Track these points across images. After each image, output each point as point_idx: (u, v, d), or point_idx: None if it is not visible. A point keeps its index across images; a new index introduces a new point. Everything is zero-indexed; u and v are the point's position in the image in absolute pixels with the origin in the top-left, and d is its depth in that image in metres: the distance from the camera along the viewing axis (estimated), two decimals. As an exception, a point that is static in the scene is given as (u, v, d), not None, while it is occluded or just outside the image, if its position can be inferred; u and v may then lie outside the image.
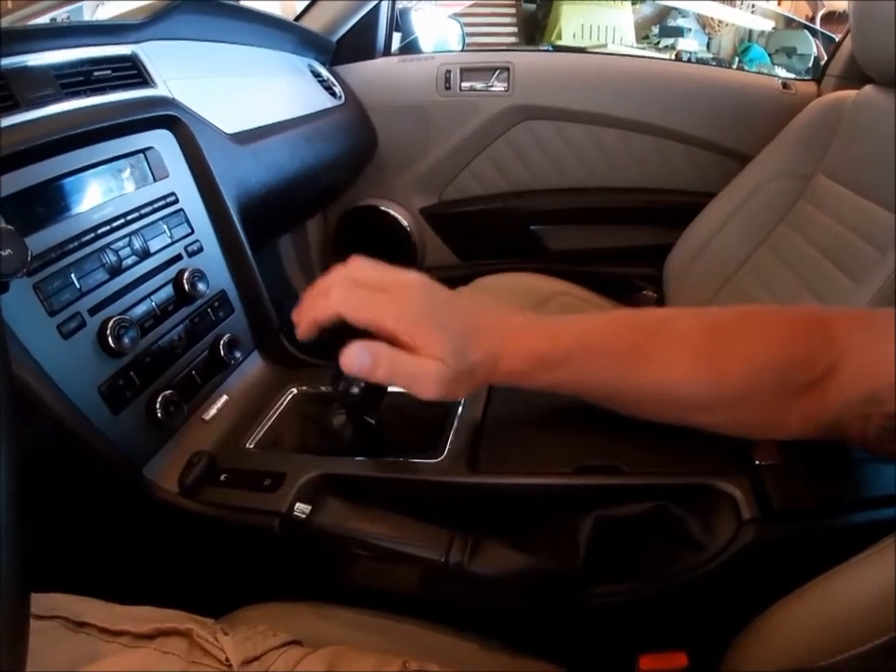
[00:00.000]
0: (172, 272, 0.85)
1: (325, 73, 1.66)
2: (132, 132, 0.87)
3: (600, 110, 1.70)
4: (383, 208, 1.89)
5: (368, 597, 0.70)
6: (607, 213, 1.78)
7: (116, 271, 0.77)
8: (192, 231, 0.90)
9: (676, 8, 6.00)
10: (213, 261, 0.93)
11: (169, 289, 0.84)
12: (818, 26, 4.86)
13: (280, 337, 0.99)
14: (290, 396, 0.86)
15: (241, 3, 1.49)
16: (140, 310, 0.79)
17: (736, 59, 5.83)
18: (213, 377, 0.87)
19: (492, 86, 1.73)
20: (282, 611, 0.71)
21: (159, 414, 0.76)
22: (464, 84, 1.75)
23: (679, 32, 5.96)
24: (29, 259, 0.62)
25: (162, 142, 0.92)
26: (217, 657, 0.56)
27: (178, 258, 0.87)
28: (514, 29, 5.91)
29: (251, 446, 0.77)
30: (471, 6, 5.49)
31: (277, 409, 0.83)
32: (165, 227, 0.86)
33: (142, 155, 0.87)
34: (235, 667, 0.55)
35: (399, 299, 0.56)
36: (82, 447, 0.70)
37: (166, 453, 0.77)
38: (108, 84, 0.90)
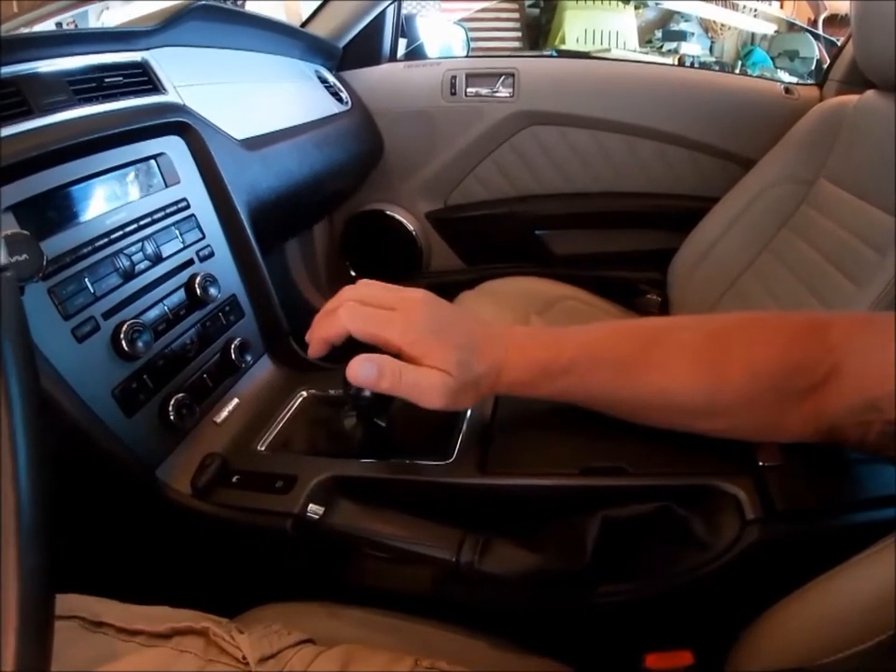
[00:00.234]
0: (184, 276, 0.86)
1: (331, 79, 1.67)
2: (143, 138, 0.88)
3: (605, 116, 1.71)
4: (389, 213, 1.90)
5: (379, 597, 0.70)
6: (611, 217, 1.78)
7: (129, 275, 0.78)
8: (204, 237, 0.91)
9: (679, 13, 6.00)
10: (224, 266, 0.94)
11: (181, 294, 0.84)
12: (820, 29, 4.86)
13: (289, 340, 1.00)
14: (301, 398, 0.86)
15: (248, 10, 1.50)
16: (153, 314, 0.80)
17: (739, 62, 5.82)
18: (224, 380, 0.88)
19: (497, 92, 1.74)
20: (294, 611, 0.71)
21: (171, 417, 0.77)
22: (469, 90, 1.76)
23: (681, 36, 5.96)
24: (44, 263, 0.63)
25: (174, 148, 0.93)
26: (234, 655, 0.56)
27: (190, 262, 0.88)
28: (518, 34, 5.92)
29: (262, 448, 0.78)
30: (476, 11, 5.50)
31: (288, 411, 0.84)
32: (177, 232, 0.87)
33: (154, 161, 0.88)
34: (252, 665, 0.56)
35: (404, 315, 0.59)
36: (96, 449, 0.70)
37: (179, 455, 0.78)
38: (120, 90, 0.91)
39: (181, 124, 0.95)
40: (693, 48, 5.91)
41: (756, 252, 1.42)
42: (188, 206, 0.90)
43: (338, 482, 0.70)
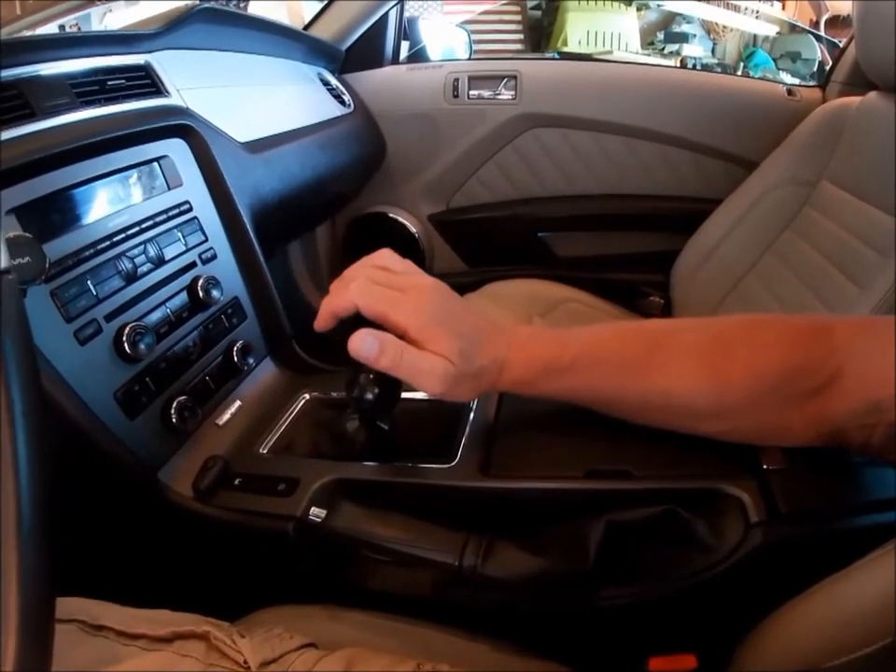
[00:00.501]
0: (186, 279, 0.86)
1: (334, 81, 1.67)
2: (146, 140, 0.88)
3: (607, 118, 1.70)
4: (391, 215, 1.90)
5: (381, 600, 0.70)
6: (614, 220, 1.78)
7: (131, 278, 0.78)
8: (206, 239, 0.91)
9: (681, 14, 6.00)
10: (226, 269, 0.94)
11: (184, 296, 0.85)
12: (822, 31, 4.86)
13: (292, 343, 1.00)
14: (303, 401, 0.86)
15: (250, 13, 1.50)
16: (155, 316, 0.80)
17: (741, 64, 5.82)
18: (226, 383, 0.88)
19: (499, 94, 1.74)
20: (296, 614, 0.71)
21: (173, 420, 0.77)
22: (472, 92, 1.76)
23: (683, 37, 5.96)
24: (47, 266, 0.63)
25: (176, 151, 0.93)
26: (235, 659, 0.56)
27: (193, 265, 0.88)
28: (521, 36, 5.92)
29: (265, 451, 0.78)
30: (478, 13, 5.51)
31: (290, 414, 0.84)
32: (180, 234, 0.87)
33: (156, 164, 0.88)
34: (253, 669, 0.55)
35: (413, 298, 0.59)
36: (98, 452, 0.70)
37: (181, 457, 0.78)
38: (122, 93, 0.91)
39: (184, 127, 0.95)
40: (695, 49, 5.91)
41: (759, 254, 1.42)
42: (190, 209, 0.90)
43: (340, 485, 0.70)
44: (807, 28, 5.26)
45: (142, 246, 0.81)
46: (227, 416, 0.85)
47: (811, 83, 1.72)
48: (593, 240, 1.81)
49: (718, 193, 1.60)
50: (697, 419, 0.60)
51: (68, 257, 0.71)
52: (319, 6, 1.77)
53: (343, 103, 1.64)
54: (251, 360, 0.92)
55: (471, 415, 0.75)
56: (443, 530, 0.64)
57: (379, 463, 0.70)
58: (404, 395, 0.71)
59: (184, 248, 0.87)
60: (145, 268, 0.80)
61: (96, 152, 0.80)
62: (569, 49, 5.68)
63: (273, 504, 0.69)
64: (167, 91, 1.00)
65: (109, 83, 0.90)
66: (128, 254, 0.79)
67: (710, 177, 1.71)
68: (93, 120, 0.83)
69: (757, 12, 5.60)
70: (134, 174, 0.85)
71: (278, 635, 0.60)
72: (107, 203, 0.80)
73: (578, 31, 5.75)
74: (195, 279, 0.86)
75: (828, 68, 1.69)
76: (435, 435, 0.74)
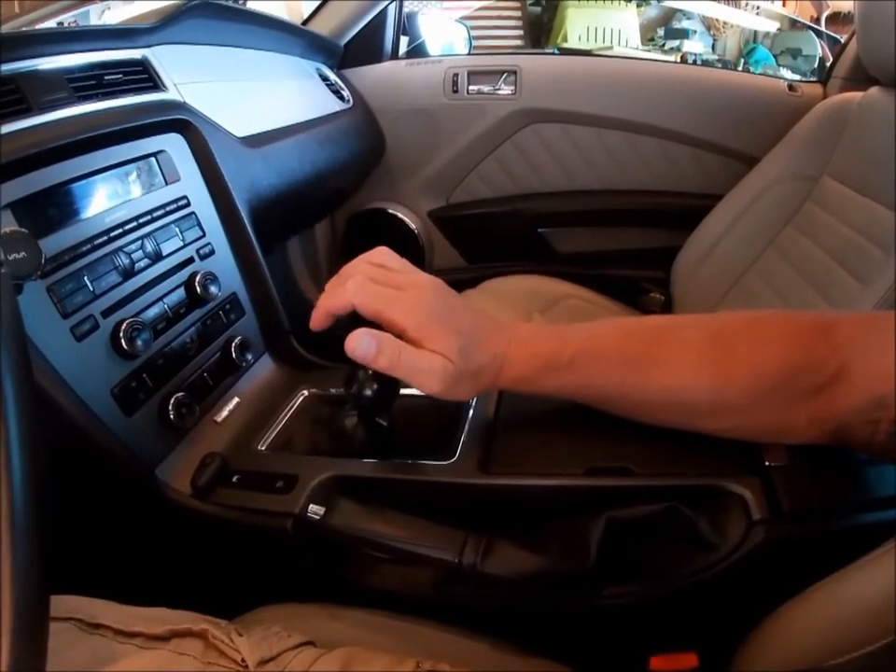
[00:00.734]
0: (184, 274, 0.85)
1: (333, 76, 1.67)
2: (143, 135, 0.88)
3: (607, 113, 1.70)
4: (391, 211, 1.89)
5: (380, 598, 0.70)
6: (614, 215, 1.78)
7: (128, 273, 0.78)
8: (204, 234, 0.91)
9: (681, 10, 6.00)
10: (224, 264, 0.93)
11: (181, 292, 0.84)
12: (822, 27, 4.86)
13: (290, 339, 0.99)
14: (302, 398, 0.86)
15: (249, 7, 1.50)
16: (153, 312, 0.79)
17: (742, 60, 5.82)
18: (224, 379, 0.88)
19: (499, 89, 1.74)
20: (295, 612, 0.71)
21: (171, 416, 0.76)
22: (471, 87, 1.76)
23: (684, 34, 5.95)
24: (43, 261, 0.63)
25: (174, 146, 0.92)
26: (233, 658, 0.56)
27: (190, 260, 0.87)
28: (520, 32, 5.92)
29: (263, 448, 0.77)
30: (477, 9, 5.50)
31: (289, 411, 0.83)
32: (177, 230, 0.86)
33: (153, 159, 0.88)
34: (251, 668, 0.55)
35: (411, 296, 0.58)
36: (95, 449, 0.70)
37: (178, 454, 0.78)
38: (120, 88, 0.90)
39: (181, 122, 0.95)
40: (696, 45, 5.90)
41: (760, 250, 1.42)
42: (188, 204, 0.90)
43: (339, 482, 0.69)
44: (808, 24, 5.26)
45: (139, 242, 0.80)
46: (225, 413, 0.84)
47: (812, 79, 1.71)
48: (593, 236, 1.80)
49: (718, 189, 1.59)
50: (698, 417, 0.59)
51: (64, 252, 0.71)
52: (318, 1, 1.76)
53: (341, 98, 1.64)
54: (249, 356, 0.91)
55: (471, 412, 0.75)
56: (443, 528, 0.63)
57: (378, 460, 0.70)
58: (403, 391, 0.71)
59: (181, 244, 0.86)
60: (142, 263, 0.80)
61: (93, 147, 0.80)
62: (569, 45, 5.68)
63: (272, 501, 0.69)
64: (164, 86, 0.99)
65: (106, 78, 0.89)
66: (125, 249, 0.78)
67: (711, 173, 1.70)
68: (90, 115, 0.82)
69: (758, 8, 5.60)
70: (132, 169, 0.84)
71: (276, 633, 0.60)
72: (104, 199, 0.79)
73: (578, 27, 5.75)
74: (193, 275, 0.85)
75: (829, 64, 1.69)
76: (434, 431, 0.74)
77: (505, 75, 1.73)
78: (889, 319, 0.53)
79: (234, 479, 0.72)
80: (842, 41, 1.70)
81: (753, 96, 1.67)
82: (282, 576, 0.77)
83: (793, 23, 5.57)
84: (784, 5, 5.89)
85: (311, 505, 0.67)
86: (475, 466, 0.66)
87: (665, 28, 6.10)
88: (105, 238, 0.76)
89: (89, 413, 0.69)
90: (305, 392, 0.87)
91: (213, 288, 0.87)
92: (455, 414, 0.75)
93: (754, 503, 0.57)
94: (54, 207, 0.73)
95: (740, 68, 5.53)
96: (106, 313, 0.74)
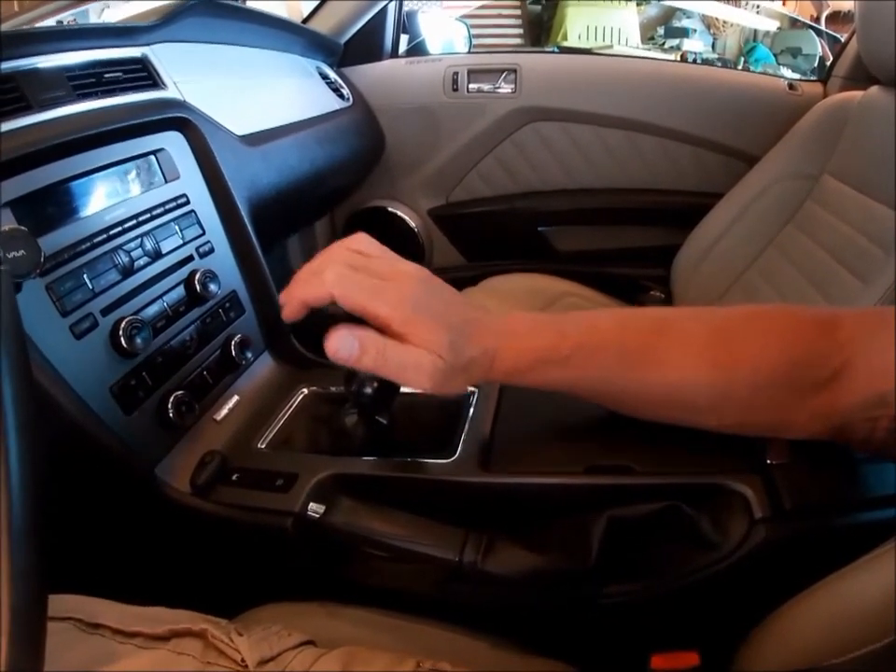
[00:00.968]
0: (183, 272, 0.85)
1: (333, 75, 1.67)
2: (143, 133, 0.88)
3: (607, 112, 1.70)
4: (390, 209, 1.89)
5: (380, 597, 0.70)
6: (614, 214, 1.78)
7: (128, 271, 0.77)
8: (203, 233, 0.91)
9: (681, 9, 5.99)
10: (224, 262, 0.93)
11: (181, 290, 0.84)
12: (822, 26, 4.85)
13: (290, 337, 0.99)
14: (301, 396, 0.86)
15: (248, 5, 1.49)
16: (152, 310, 0.79)
17: (742, 59, 5.81)
18: (224, 377, 0.88)
19: (499, 87, 1.74)
20: (295, 611, 0.71)
21: (170, 414, 0.76)
22: (471, 86, 1.75)
23: (684, 32, 5.94)
24: (42, 259, 0.62)
25: (173, 144, 0.92)
26: (233, 658, 0.56)
27: (190, 259, 0.87)
28: (520, 31, 5.91)
29: (263, 446, 0.77)
30: (477, 8, 5.50)
31: (288, 409, 0.83)
32: (177, 228, 0.86)
33: (153, 157, 0.88)
34: (251, 668, 0.55)
35: (396, 287, 0.54)
36: (94, 447, 0.70)
37: (178, 453, 0.77)
38: (119, 86, 0.90)
39: (181, 120, 0.94)
40: (696, 44, 5.89)
41: (760, 248, 1.42)
42: (187, 202, 0.90)
43: (339, 480, 0.69)
44: (808, 23, 5.25)
45: (139, 240, 0.80)
46: (224, 411, 0.84)
47: (812, 78, 1.71)
48: (593, 234, 1.80)
49: (718, 187, 1.59)
50: (698, 412, 0.58)
51: (64, 250, 0.71)
52: (317, 0, 1.76)
53: (341, 96, 1.63)
54: (249, 355, 0.91)
55: (471, 410, 0.75)
56: (443, 526, 0.63)
57: (378, 458, 0.70)
58: (403, 389, 0.70)
59: (181, 242, 0.86)
60: (141, 261, 0.80)
61: (92, 145, 0.79)
62: (569, 43, 5.67)
63: (271, 500, 0.69)
64: (164, 84, 0.99)
65: (106, 76, 0.89)
66: (124, 247, 0.78)
67: (711, 172, 1.70)
68: (90, 113, 0.82)
69: (758, 7, 5.59)
70: (131, 167, 0.84)
71: (276, 632, 0.59)
72: (104, 197, 0.79)
73: (577, 26, 5.74)
74: (192, 273, 0.85)
75: (829, 63, 1.68)
76: (434, 430, 0.74)
77: (505, 73, 1.73)
78: (893, 315, 0.53)
79: (234, 477, 0.72)
80: (842, 40, 1.69)
81: (753, 95, 1.67)
82: (282, 574, 0.77)
83: (793, 22, 5.56)
84: (784, 4, 5.89)
85: (311, 503, 0.67)
86: (475, 464, 0.66)
87: (664, 27, 6.09)
88: (105, 236, 0.76)
89: (88, 411, 0.69)
90: (305, 390, 0.87)
91: (212, 286, 0.86)
92: (456, 412, 0.75)
93: (756, 501, 0.57)
94: (53, 205, 0.73)
95: (740, 67, 5.53)
96: (106, 311, 0.74)
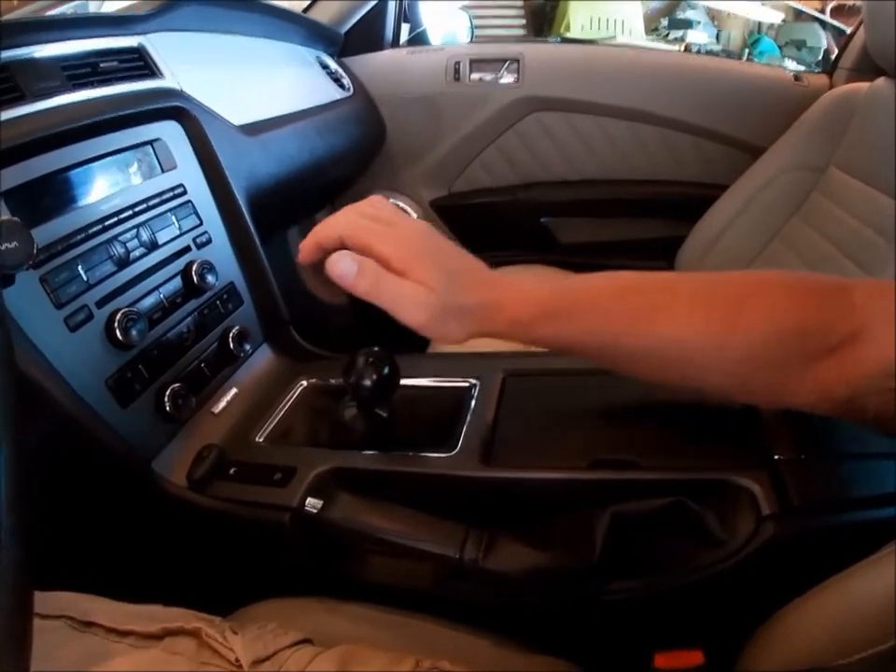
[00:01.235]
0: (180, 263, 0.84)
1: (333, 64, 1.65)
2: (139, 123, 0.87)
3: (610, 102, 1.68)
4: (392, 200, 1.88)
5: (379, 593, 0.69)
6: (617, 205, 1.76)
7: (123, 263, 0.77)
8: (201, 223, 0.90)
9: (685, 0, 5.97)
10: (222, 253, 0.92)
11: (177, 281, 0.83)
12: (827, 18, 4.83)
13: (290, 329, 0.98)
14: (300, 388, 0.85)
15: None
16: (148, 302, 0.78)
17: (746, 51, 5.79)
18: (222, 370, 0.87)
19: (501, 77, 1.72)
20: (292, 607, 0.70)
21: (167, 408, 0.75)
22: (473, 75, 1.73)
23: (687, 24, 5.92)
24: (35, 251, 0.62)
25: (170, 133, 0.91)
26: (227, 657, 0.55)
27: (187, 249, 0.86)
28: (522, 21, 5.89)
29: (261, 440, 0.77)
30: (479, -1, 5.47)
31: (287, 402, 0.83)
32: (173, 218, 0.85)
33: (149, 146, 0.87)
34: (245, 668, 0.54)
35: (400, 231, 0.57)
36: (90, 441, 0.69)
37: (175, 446, 0.77)
38: (115, 76, 0.89)
39: (178, 109, 0.93)
40: (700, 36, 5.87)
41: (766, 241, 1.41)
42: (184, 192, 0.89)
43: (338, 474, 0.69)
44: (813, 15, 5.23)
45: (134, 230, 0.79)
46: (222, 404, 0.84)
47: (818, 70, 1.69)
48: (596, 226, 1.79)
49: (723, 179, 1.58)
50: (703, 371, 0.56)
51: (58, 241, 0.70)
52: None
53: (342, 86, 1.62)
54: (247, 347, 0.90)
55: (472, 403, 0.74)
56: (444, 522, 0.63)
57: (377, 452, 0.69)
58: (404, 381, 0.70)
59: (178, 232, 0.85)
60: (137, 252, 0.79)
61: (88, 135, 0.79)
62: (572, 34, 5.65)
63: (269, 494, 0.68)
64: (161, 74, 0.98)
65: (102, 65, 0.88)
66: (120, 238, 0.77)
67: (715, 163, 1.69)
68: (85, 103, 0.81)
69: (762, -2, 5.57)
70: (127, 157, 0.83)
71: (272, 631, 0.59)
72: (99, 187, 0.78)
73: (581, 17, 5.71)
74: (189, 264, 0.84)
75: (834, 55, 1.67)
76: (435, 423, 0.73)
77: (507, 63, 1.71)
78: None
79: (231, 471, 0.72)
80: (847, 32, 1.68)
81: (759, 86, 1.65)
82: (280, 570, 0.77)
83: (798, 14, 5.54)
84: (789, -5, 5.86)
85: (308, 498, 0.66)
86: (477, 458, 0.65)
87: (668, 18, 6.06)
88: (100, 227, 0.75)
89: (83, 404, 0.68)
90: (304, 383, 0.86)
91: (210, 278, 0.85)
92: (457, 405, 0.74)
93: (763, 498, 0.56)
94: (48, 196, 0.72)
95: (744, 59, 5.51)
96: (101, 303, 0.73)
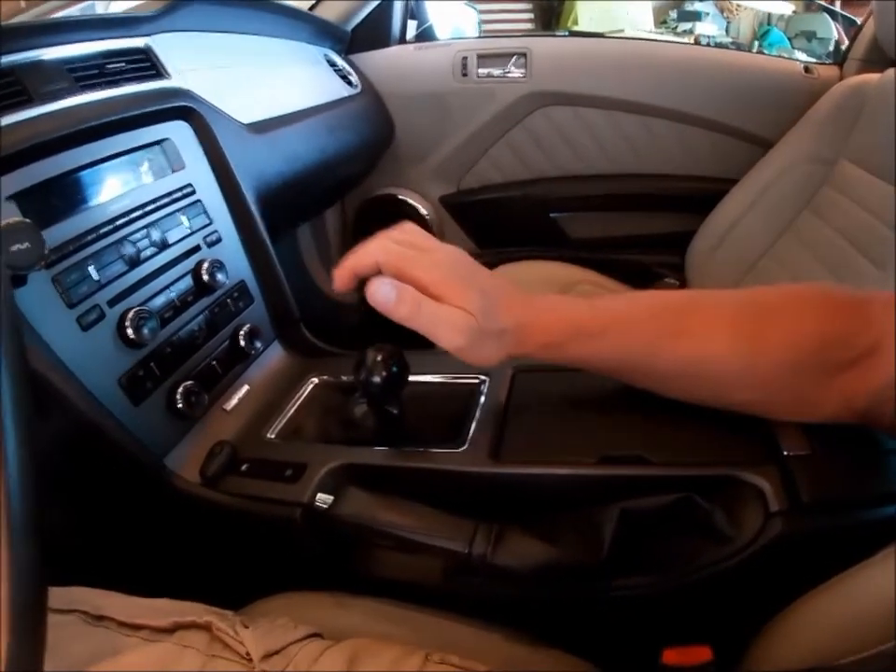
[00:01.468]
0: (191, 262, 0.84)
1: (340, 62, 1.66)
2: (147, 123, 0.87)
3: (620, 95, 1.68)
4: (401, 197, 1.88)
5: (389, 588, 0.69)
6: (627, 200, 1.76)
7: (134, 262, 0.77)
8: (211, 222, 0.90)
9: (694, -8, 5.95)
10: (232, 252, 0.93)
11: (188, 280, 0.83)
12: (838, 8, 4.80)
13: (300, 326, 0.99)
14: (311, 385, 0.85)
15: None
16: (159, 301, 0.79)
17: (756, 43, 5.76)
18: (233, 367, 0.87)
19: (509, 72, 1.72)
20: (303, 601, 0.71)
21: (179, 405, 0.76)
22: (481, 71, 1.73)
23: (697, 16, 5.89)
24: (46, 251, 0.62)
25: (179, 133, 0.92)
26: (238, 651, 0.55)
27: (197, 248, 0.86)
28: (530, 15, 5.88)
29: (272, 436, 0.77)
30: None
31: (298, 399, 0.83)
32: (183, 218, 0.86)
33: (158, 146, 0.87)
34: (256, 662, 0.54)
35: (434, 256, 0.59)
36: (103, 439, 0.70)
37: (187, 443, 0.77)
38: (122, 77, 0.89)
39: (186, 109, 0.94)
40: (709, 28, 5.84)
41: (776, 234, 1.40)
42: (193, 192, 0.89)
43: (348, 470, 0.69)
44: (824, 5, 5.19)
45: (145, 230, 0.80)
46: (234, 401, 0.84)
47: (827, 62, 1.68)
48: (606, 220, 1.78)
49: (733, 172, 1.57)
50: (729, 388, 0.59)
51: (69, 242, 0.70)
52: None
53: (349, 83, 1.62)
54: (259, 344, 0.91)
55: (482, 399, 0.74)
56: (453, 517, 0.63)
57: (387, 448, 0.70)
58: (413, 378, 0.70)
59: (188, 231, 0.86)
60: (148, 252, 0.79)
61: (97, 136, 0.79)
62: (580, 28, 5.63)
63: (280, 490, 0.69)
64: (168, 74, 0.98)
65: (109, 67, 0.89)
66: (130, 238, 0.77)
67: (725, 156, 1.68)
68: (93, 105, 0.81)
69: (772, -11, 5.54)
70: (136, 157, 0.84)
71: (282, 625, 0.59)
72: (109, 188, 0.79)
73: (589, 9, 5.69)
74: (199, 263, 0.85)
75: (844, 46, 1.66)
76: (445, 419, 0.73)
77: (515, 57, 1.71)
78: None
79: (243, 467, 0.72)
80: (858, 22, 1.67)
81: (768, 78, 1.64)
82: (291, 565, 0.77)
83: (808, 5, 5.51)
84: (799, -14, 5.82)
85: (319, 494, 0.67)
86: (485, 454, 0.66)
87: (677, 10, 6.04)
88: (111, 227, 0.76)
89: (96, 403, 0.69)
90: (315, 380, 0.86)
91: (220, 276, 0.86)
92: (466, 402, 0.75)
93: (772, 494, 0.56)
94: (58, 197, 0.72)
95: (754, 51, 5.48)
96: (112, 302, 0.73)
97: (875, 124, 1.25)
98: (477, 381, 0.77)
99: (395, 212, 1.88)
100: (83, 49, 0.87)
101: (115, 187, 0.79)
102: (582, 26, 5.65)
